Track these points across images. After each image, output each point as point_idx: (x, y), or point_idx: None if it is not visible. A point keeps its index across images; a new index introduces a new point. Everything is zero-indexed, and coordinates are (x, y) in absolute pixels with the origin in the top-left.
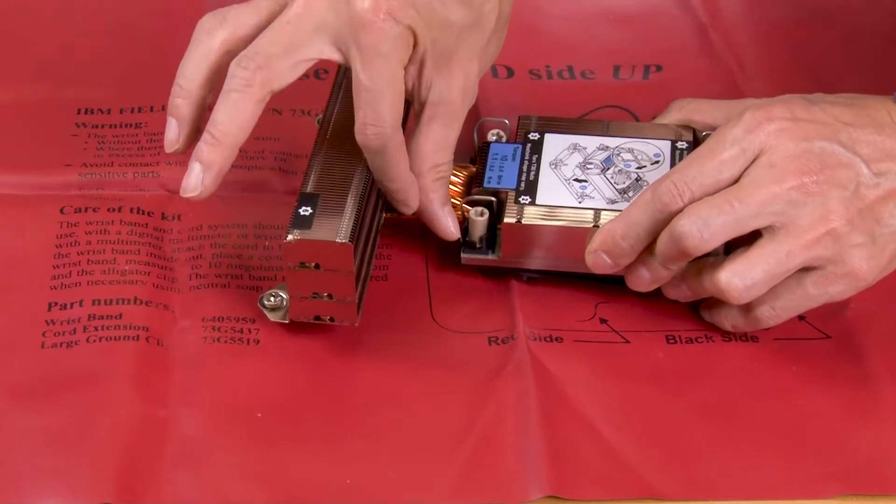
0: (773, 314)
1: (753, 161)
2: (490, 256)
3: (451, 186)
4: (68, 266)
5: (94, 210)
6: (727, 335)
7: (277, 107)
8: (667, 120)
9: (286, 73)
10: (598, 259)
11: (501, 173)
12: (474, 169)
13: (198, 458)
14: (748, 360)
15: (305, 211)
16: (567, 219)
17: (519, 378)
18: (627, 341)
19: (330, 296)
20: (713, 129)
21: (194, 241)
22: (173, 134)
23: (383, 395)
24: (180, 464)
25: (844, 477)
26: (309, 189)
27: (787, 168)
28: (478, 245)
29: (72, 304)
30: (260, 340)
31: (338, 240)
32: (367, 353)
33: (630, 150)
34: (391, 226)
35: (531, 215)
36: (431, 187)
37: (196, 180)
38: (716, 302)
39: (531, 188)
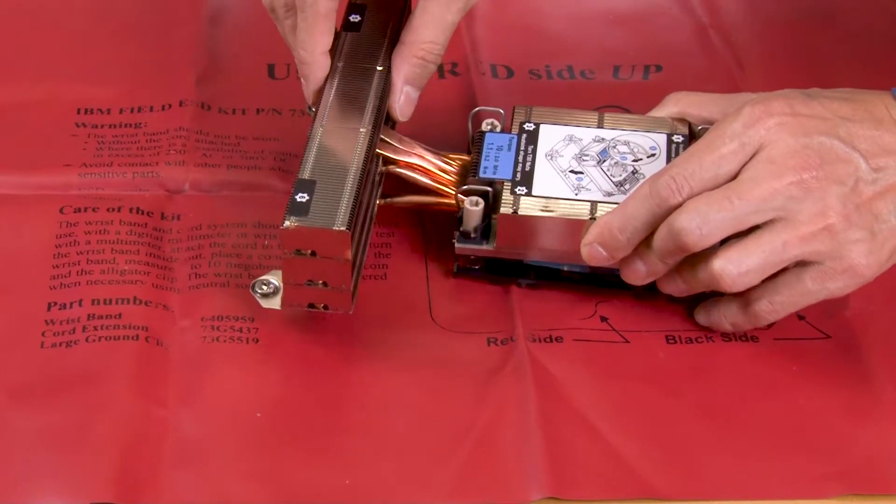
0: (771, 309)
1: (753, 156)
2: (485, 246)
3: (445, 175)
4: (68, 266)
5: (93, 210)
6: (727, 335)
7: (277, 107)
8: (662, 113)
9: None
10: (593, 251)
11: (497, 163)
12: (469, 159)
13: (197, 457)
14: (748, 360)
15: (302, 197)
16: (563, 210)
17: (518, 379)
18: (627, 341)
19: (325, 283)
20: (709, 122)
21: (193, 241)
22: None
23: (382, 395)
24: (180, 464)
25: (844, 477)
26: (306, 176)
27: (786, 164)
28: (472, 235)
29: (71, 304)
30: (259, 340)
31: (335, 227)
32: (367, 353)
33: (626, 143)
34: (387, 224)
35: (527, 206)
36: (407, 60)
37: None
38: (713, 302)
39: (527, 179)
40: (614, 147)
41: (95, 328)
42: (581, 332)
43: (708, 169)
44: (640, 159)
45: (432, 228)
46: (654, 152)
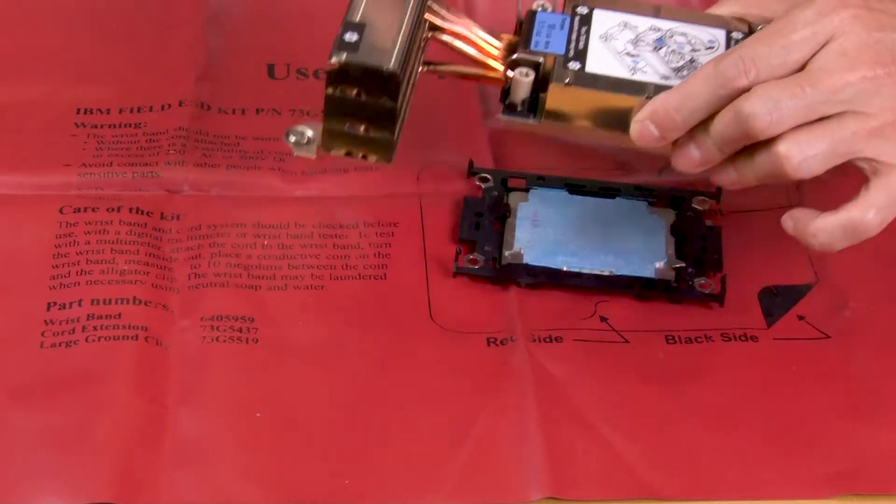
0: (878, 218)
1: (823, 46)
2: (531, 121)
3: (491, 49)
4: (67, 266)
5: (93, 210)
6: (727, 335)
7: (277, 107)
8: (720, 11)
9: None
10: (644, 130)
11: (549, 39)
12: (517, 38)
13: (197, 458)
14: (748, 360)
15: (351, 37)
16: (618, 87)
17: (518, 379)
18: (627, 341)
19: (366, 130)
20: (770, 22)
21: (193, 241)
22: None
23: (382, 395)
24: (179, 464)
25: (844, 477)
26: (356, 19)
27: (860, 57)
28: (519, 108)
29: (71, 304)
30: (259, 340)
31: (388, 67)
32: (366, 353)
33: (683, 34)
34: (387, 224)
35: (580, 80)
36: None
37: None
38: (807, 213)
39: (580, 56)
40: (671, 37)
41: (95, 328)
42: (581, 332)
43: (777, 54)
44: (699, 50)
45: (432, 228)
46: (712, 45)
